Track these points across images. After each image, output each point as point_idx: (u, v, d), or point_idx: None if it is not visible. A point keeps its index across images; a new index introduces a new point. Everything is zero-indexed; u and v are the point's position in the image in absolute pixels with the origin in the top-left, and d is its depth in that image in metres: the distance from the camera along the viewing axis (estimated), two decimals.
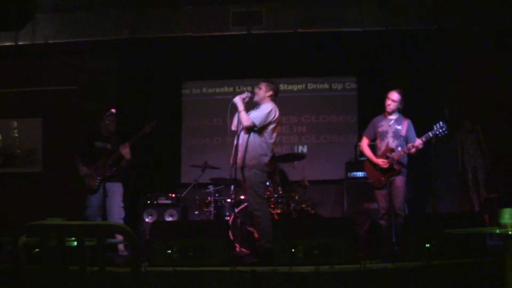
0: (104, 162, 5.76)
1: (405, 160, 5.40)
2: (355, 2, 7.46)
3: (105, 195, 5.77)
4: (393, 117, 5.50)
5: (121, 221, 5.85)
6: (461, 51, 7.56)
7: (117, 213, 5.90)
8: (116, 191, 5.96)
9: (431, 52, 7.71)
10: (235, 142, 5.36)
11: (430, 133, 5.18)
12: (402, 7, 7.30)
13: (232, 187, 6.86)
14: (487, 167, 6.99)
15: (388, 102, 5.47)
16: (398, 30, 7.39)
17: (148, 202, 7.06)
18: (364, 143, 5.67)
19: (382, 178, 5.38)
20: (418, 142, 5.20)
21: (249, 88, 8.70)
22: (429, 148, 5.53)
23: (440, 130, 5.13)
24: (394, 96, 5.46)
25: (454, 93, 7.52)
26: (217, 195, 7.03)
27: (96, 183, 5.85)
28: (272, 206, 6.40)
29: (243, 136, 5.34)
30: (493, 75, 7.31)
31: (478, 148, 7.02)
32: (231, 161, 5.36)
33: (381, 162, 5.38)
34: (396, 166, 5.31)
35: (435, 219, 4.99)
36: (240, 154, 5.27)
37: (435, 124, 5.16)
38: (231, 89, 8.75)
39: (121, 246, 5.83)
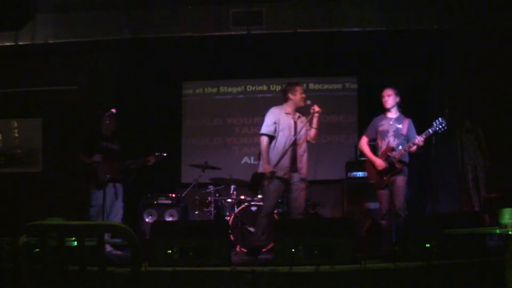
0: (117, 163, 5.88)
1: (406, 158, 5.40)
2: (355, 2, 7.46)
3: (116, 196, 5.97)
4: (394, 116, 5.51)
5: (121, 221, 5.91)
6: (461, 51, 7.56)
7: (121, 213, 6.04)
8: (121, 191, 6.09)
9: (431, 52, 7.71)
10: (289, 148, 5.31)
11: (430, 130, 5.18)
12: (402, 7, 7.30)
13: (232, 187, 6.88)
14: (487, 167, 6.98)
15: (385, 99, 5.52)
16: (398, 30, 7.39)
17: (148, 202, 7.06)
18: (363, 141, 5.65)
19: (384, 178, 5.36)
20: (418, 139, 5.20)
21: (249, 88, 8.75)
22: (429, 148, 5.53)
23: (440, 126, 5.14)
24: (387, 92, 5.52)
25: (454, 93, 7.52)
26: (217, 195, 7.03)
27: (105, 179, 5.89)
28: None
29: (304, 147, 5.42)
30: (493, 75, 7.31)
31: (478, 148, 7.02)
32: (288, 165, 5.30)
33: (378, 163, 5.38)
34: (397, 165, 5.30)
35: (435, 219, 4.99)
36: (302, 164, 5.36)
37: (434, 121, 5.17)
38: (231, 89, 8.75)
39: (108, 246, 5.81)
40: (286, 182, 5.36)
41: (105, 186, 5.82)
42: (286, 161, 5.31)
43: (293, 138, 5.33)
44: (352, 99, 8.49)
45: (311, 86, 8.62)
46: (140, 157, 6.18)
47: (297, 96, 5.45)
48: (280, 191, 5.46)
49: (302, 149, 5.40)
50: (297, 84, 5.56)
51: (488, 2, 7.02)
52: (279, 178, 5.31)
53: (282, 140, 5.34)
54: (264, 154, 5.35)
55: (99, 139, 6.04)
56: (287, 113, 5.43)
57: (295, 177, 5.36)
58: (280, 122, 5.38)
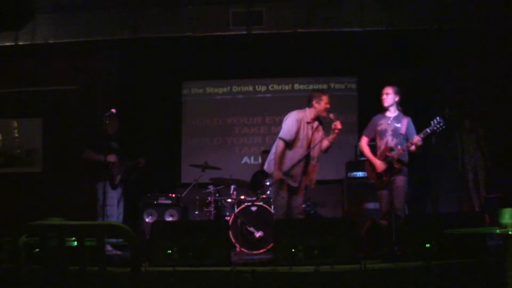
0: (124, 163, 5.96)
1: (405, 158, 5.38)
2: (355, 2, 7.46)
3: (122, 196, 6.07)
4: (392, 115, 5.48)
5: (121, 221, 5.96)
6: (461, 51, 7.56)
7: (122, 213, 6.10)
8: (123, 192, 6.15)
9: (431, 52, 7.71)
10: (303, 159, 5.28)
11: (428, 129, 5.16)
12: (402, 7, 7.30)
13: (232, 187, 6.89)
14: (487, 167, 6.98)
15: (383, 97, 5.48)
16: (398, 30, 7.39)
17: (148, 202, 7.06)
18: (364, 142, 5.61)
19: (384, 178, 5.35)
20: (417, 139, 5.18)
21: (249, 88, 8.75)
22: (429, 148, 5.52)
23: (438, 126, 5.12)
24: (386, 90, 5.48)
25: (454, 92, 7.52)
26: (217, 195, 7.04)
27: (117, 180, 5.92)
28: (272, 206, 6.42)
29: (316, 159, 5.38)
30: (493, 75, 7.31)
31: (478, 148, 7.01)
32: (300, 174, 5.29)
33: (378, 165, 5.36)
34: (396, 165, 5.28)
35: (435, 219, 4.98)
36: (314, 175, 5.38)
37: (432, 120, 5.16)
38: (231, 89, 8.75)
39: (108, 246, 5.82)
40: (295, 190, 5.33)
41: (117, 186, 5.97)
42: (299, 170, 5.29)
43: (308, 151, 5.30)
44: (352, 99, 8.49)
45: (312, 86, 8.62)
46: (138, 157, 6.23)
47: (321, 106, 5.33)
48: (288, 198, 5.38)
49: (315, 160, 5.38)
50: (324, 93, 5.45)
51: (488, 2, 7.01)
52: (289, 185, 5.28)
53: (299, 150, 5.28)
54: (277, 160, 5.23)
55: (107, 139, 6.03)
56: (308, 122, 5.34)
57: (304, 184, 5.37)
58: (300, 132, 5.29)
